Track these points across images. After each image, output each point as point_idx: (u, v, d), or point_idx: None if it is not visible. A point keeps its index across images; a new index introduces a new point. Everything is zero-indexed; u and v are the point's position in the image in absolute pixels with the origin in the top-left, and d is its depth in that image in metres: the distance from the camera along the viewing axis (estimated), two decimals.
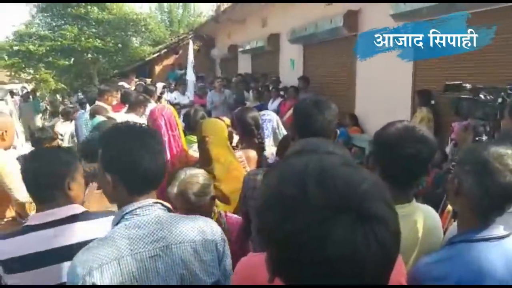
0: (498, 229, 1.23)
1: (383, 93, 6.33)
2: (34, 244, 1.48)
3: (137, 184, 1.22)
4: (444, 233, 1.57)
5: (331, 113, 1.78)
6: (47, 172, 1.54)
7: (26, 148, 5.98)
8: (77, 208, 1.57)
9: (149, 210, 1.21)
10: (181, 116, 4.06)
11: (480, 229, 1.23)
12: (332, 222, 0.58)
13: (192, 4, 24.26)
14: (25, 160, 1.63)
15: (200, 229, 1.25)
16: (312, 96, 2.31)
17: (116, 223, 1.21)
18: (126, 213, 1.20)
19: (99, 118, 4.08)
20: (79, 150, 2.09)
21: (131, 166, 1.20)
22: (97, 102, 5.00)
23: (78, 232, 1.51)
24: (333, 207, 0.59)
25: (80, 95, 12.26)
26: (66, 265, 1.47)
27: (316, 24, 7.72)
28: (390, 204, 0.63)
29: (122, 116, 4.43)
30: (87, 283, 1.09)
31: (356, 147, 6.28)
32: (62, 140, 6.42)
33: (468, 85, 2.52)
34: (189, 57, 11.45)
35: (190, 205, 1.85)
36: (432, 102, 5.44)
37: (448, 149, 3.83)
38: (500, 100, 2.31)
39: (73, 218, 1.53)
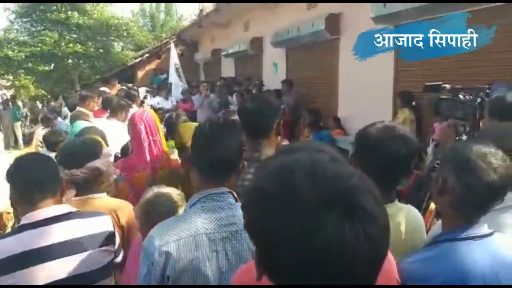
0: (482, 228, 1.23)
1: (366, 95, 6.39)
2: (27, 242, 1.49)
3: (207, 171, 1.34)
4: (427, 232, 1.58)
5: (268, 108, 1.90)
6: (40, 174, 1.59)
7: (5, 156, 5.83)
8: (68, 208, 1.64)
9: (223, 197, 1.32)
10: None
11: (465, 228, 1.22)
12: (321, 216, 0.57)
13: (174, 8, 24.18)
14: (15, 163, 1.65)
15: None
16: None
17: (191, 205, 1.32)
18: (203, 197, 1.31)
19: (80, 124, 4.00)
20: (57, 156, 2.03)
21: (199, 155, 1.35)
22: (78, 108, 4.92)
23: (70, 230, 1.58)
24: (322, 200, 0.58)
25: (53, 104, 12.06)
26: (64, 260, 1.52)
27: (298, 27, 7.76)
28: (378, 199, 0.63)
29: (103, 121, 4.37)
30: (162, 252, 1.20)
31: (339, 149, 6.32)
32: (42, 147, 6.29)
33: (447, 86, 2.54)
34: (171, 59, 11.32)
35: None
36: (413, 103, 5.51)
37: (429, 150, 3.87)
38: (479, 100, 2.33)
39: (66, 216, 1.59)
